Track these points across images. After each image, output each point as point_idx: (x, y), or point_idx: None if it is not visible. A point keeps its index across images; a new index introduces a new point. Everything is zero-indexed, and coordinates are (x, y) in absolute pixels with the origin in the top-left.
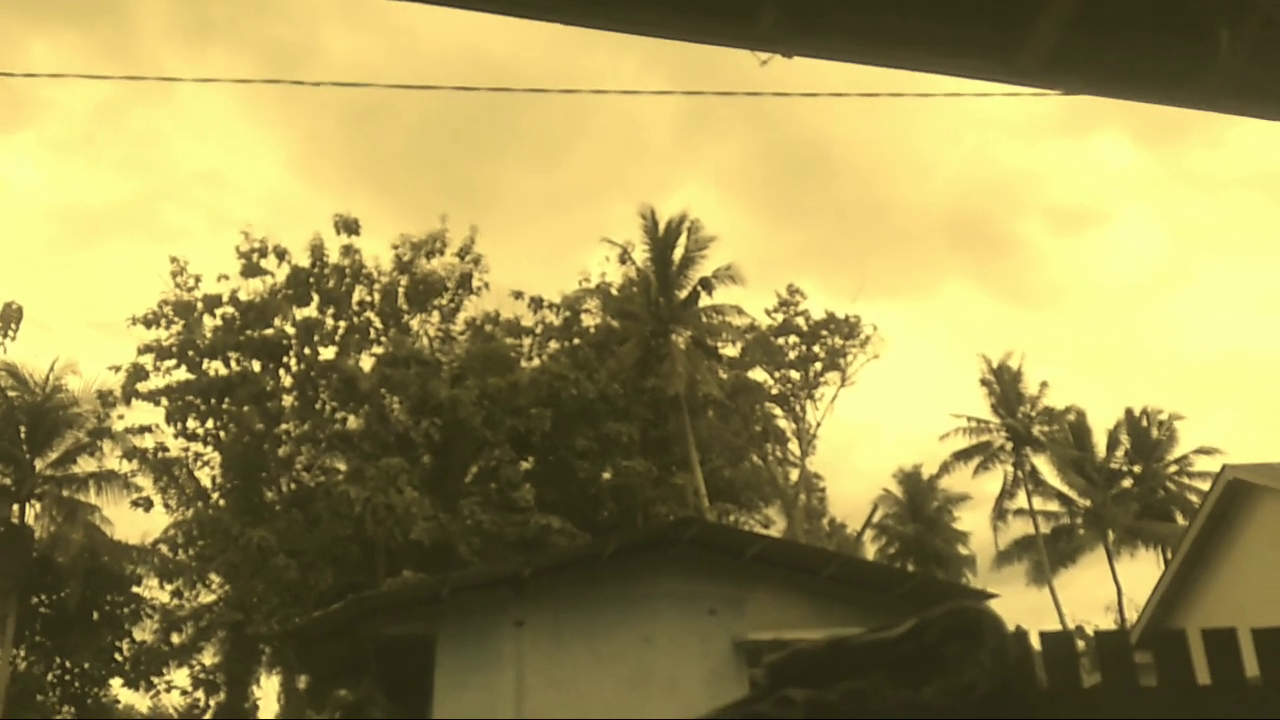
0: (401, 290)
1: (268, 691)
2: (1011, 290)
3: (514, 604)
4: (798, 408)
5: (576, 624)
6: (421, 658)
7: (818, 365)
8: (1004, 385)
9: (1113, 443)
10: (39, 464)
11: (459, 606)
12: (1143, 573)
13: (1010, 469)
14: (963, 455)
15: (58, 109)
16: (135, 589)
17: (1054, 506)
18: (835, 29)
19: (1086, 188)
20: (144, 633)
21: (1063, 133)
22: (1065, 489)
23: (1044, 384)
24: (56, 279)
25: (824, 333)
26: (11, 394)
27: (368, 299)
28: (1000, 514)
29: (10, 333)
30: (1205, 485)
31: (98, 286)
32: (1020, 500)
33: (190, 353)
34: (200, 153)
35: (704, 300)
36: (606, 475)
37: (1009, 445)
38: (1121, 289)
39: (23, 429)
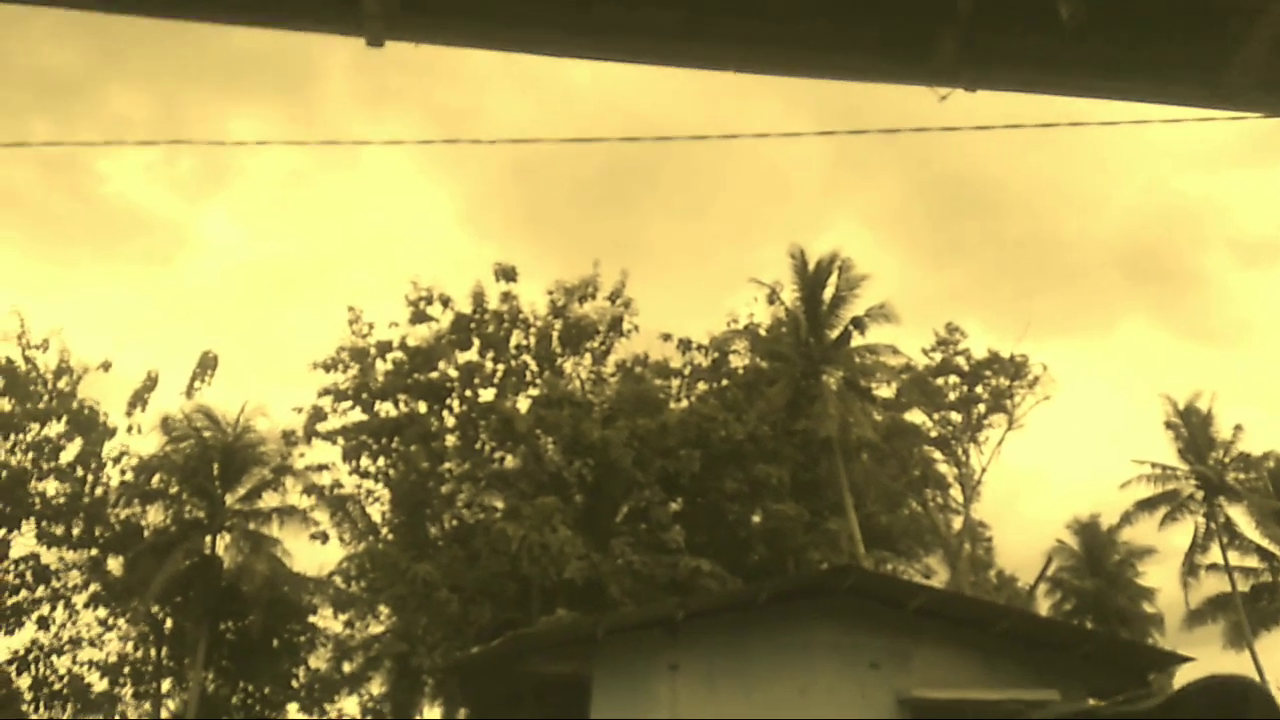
0: (555, 334)
1: None
2: (1196, 327)
3: (668, 647)
4: (960, 451)
5: (731, 671)
6: (577, 697)
7: (981, 407)
8: (1192, 429)
9: None
10: (229, 499)
11: (614, 647)
12: None
13: (1201, 520)
14: (1147, 505)
15: (254, 175)
16: (311, 618)
17: (1253, 562)
18: (1020, 58)
19: (1275, 217)
20: (318, 660)
21: (1246, 160)
22: (1266, 543)
23: (1238, 427)
24: (252, 328)
25: (987, 373)
26: (206, 434)
27: (524, 343)
28: (1191, 569)
29: (207, 378)
30: None
31: (289, 335)
32: (1214, 554)
33: (364, 395)
34: (378, 210)
35: (856, 340)
36: (756, 518)
37: (1199, 494)
38: None
39: (215, 466)
